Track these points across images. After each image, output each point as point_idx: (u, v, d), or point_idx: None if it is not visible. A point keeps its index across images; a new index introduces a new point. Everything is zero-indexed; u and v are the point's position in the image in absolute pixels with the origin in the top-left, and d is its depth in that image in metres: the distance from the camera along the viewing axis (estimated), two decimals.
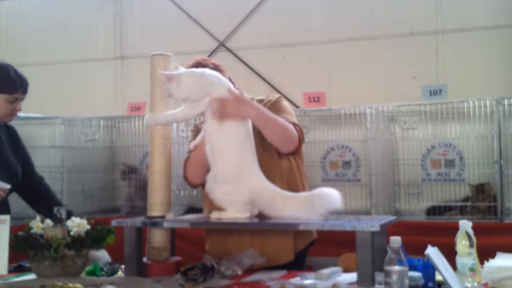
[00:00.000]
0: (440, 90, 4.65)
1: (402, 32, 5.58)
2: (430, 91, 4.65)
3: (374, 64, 5.64)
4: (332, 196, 2.68)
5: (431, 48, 5.46)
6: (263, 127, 2.82)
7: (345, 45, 5.78)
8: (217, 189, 2.76)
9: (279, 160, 2.99)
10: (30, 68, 6.76)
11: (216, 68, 3.13)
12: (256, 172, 2.78)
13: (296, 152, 2.98)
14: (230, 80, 3.16)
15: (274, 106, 3.07)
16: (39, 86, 6.65)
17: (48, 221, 2.82)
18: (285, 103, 3.14)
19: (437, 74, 5.40)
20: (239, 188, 2.72)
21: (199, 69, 2.84)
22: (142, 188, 4.99)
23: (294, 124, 2.95)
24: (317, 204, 2.66)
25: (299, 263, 3.06)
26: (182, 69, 2.81)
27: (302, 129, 3.02)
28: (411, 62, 5.52)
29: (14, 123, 5.09)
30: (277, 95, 3.19)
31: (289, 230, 2.98)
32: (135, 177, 5.20)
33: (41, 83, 6.63)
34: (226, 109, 2.73)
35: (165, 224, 2.85)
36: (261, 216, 2.82)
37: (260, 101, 3.13)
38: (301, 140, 2.96)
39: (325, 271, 2.64)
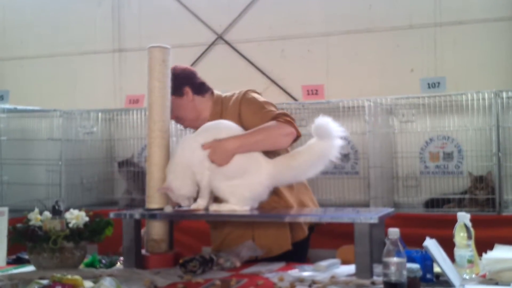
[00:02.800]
0: (439, 83, 4.64)
1: (401, 25, 5.57)
2: (428, 84, 4.65)
3: (372, 57, 5.63)
4: (327, 124, 2.72)
5: (430, 41, 5.46)
6: (251, 150, 2.82)
7: (343, 37, 5.77)
8: (222, 184, 2.79)
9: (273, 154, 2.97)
10: (28, 61, 6.77)
11: (188, 71, 3.18)
12: (264, 162, 2.82)
13: (298, 138, 2.95)
14: (198, 83, 3.16)
15: (247, 104, 3.04)
16: (37, 79, 6.69)
17: (47, 213, 2.82)
18: (256, 96, 3.09)
19: (435, 67, 5.40)
20: (245, 185, 2.76)
21: (175, 166, 2.86)
22: (140, 181, 4.98)
23: (277, 116, 2.92)
24: (323, 136, 2.72)
25: (299, 254, 3.06)
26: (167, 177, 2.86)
27: (291, 115, 2.98)
28: (409, 54, 5.51)
29: (12, 115, 5.11)
30: (244, 91, 3.13)
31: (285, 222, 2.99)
32: (133, 169, 5.19)
33: (39, 76, 6.64)
34: (215, 162, 2.80)
35: (164, 217, 2.86)
36: (259, 209, 2.84)
37: (231, 96, 3.13)
38: (296, 127, 2.90)
39: (324, 263, 2.65)
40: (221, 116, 3.07)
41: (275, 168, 2.80)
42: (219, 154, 2.79)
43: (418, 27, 5.52)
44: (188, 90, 3.11)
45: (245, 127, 2.95)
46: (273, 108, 3.02)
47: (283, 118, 2.90)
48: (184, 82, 3.10)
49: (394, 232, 2.10)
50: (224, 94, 3.19)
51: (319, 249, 3.90)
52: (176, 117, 3.16)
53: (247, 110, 3.02)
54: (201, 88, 3.16)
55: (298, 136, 2.92)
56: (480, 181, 4.56)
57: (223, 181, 2.79)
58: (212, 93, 3.20)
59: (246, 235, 3.00)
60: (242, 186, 2.77)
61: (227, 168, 2.79)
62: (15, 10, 6.90)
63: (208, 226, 3.27)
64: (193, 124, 3.17)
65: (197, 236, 4.32)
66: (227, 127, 2.88)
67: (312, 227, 3.17)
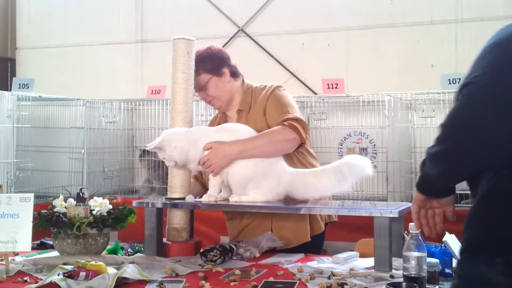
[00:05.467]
0: (459, 79, 4.63)
1: (421, 20, 5.57)
2: (449, 80, 4.64)
3: (393, 52, 5.64)
4: (360, 163, 2.72)
5: (450, 37, 5.46)
6: (253, 155, 2.79)
7: (364, 32, 5.78)
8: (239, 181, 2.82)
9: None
10: (52, 50, 6.84)
11: (224, 51, 3.20)
12: (285, 171, 2.82)
13: (302, 145, 2.94)
14: (233, 68, 3.16)
15: (273, 101, 3.01)
16: (61, 68, 6.74)
17: (71, 200, 2.87)
18: (283, 94, 3.04)
19: (455, 63, 5.40)
20: (260, 186, 2.78)
21: (186, 134, 2.89)
22: (161, 170, 5.02)
23: (285, 120, 2.88)
24: (347, 174, 2.72)
25: (316, 245, 3.08)
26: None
27: (302, 120, 2.93)
28: (430, 50, 5.51)
29: (37, 103, 5.17)
30: (274, 86, 3.08)
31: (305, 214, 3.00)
32: (154, 159, 5.23)
33: (63, 65, 6.71)
34: (213, 168, 2.78)
35: (185, 206, 2.89)
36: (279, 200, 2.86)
37: (262, 89, 3.10)
38: (300, 133, 2.86)
39: (342, 255, 2.68)
40: (250, 107, 3.06)
41: (293, 181, 2.80)
42: (219, 157, 2.76)
43: (439, 23, 5.51)
44: (226, 71, 3.11)
45: (268, 122, 2.97)
46: (291, 109, 2.96)
47: (289, 122, 2.86)
48: (223, 62, 3.10)
49: (415, 226, 2.11)
50: (254, 85, 3.16)
51: (337, 241, 3.93)
52: (210, 96, 3.12)
53: (270, 106, 2.99)
54: (236, 72, 3.16)
55: (302, 143, 2.92)
56: None
57: (240, 178, 2.82)
58: (243, 80, 3.19)
59: (265, 226, 3.02)
60: (256, 187, 2.79)
61: (246, 166, 2.80)
62: (40, 0, 6.97)
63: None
64: (225, 106, 3.15)
65: (216, 225, 4.35)
66: (245, 134, 2.86)
67: (327, 223, 3.17)
